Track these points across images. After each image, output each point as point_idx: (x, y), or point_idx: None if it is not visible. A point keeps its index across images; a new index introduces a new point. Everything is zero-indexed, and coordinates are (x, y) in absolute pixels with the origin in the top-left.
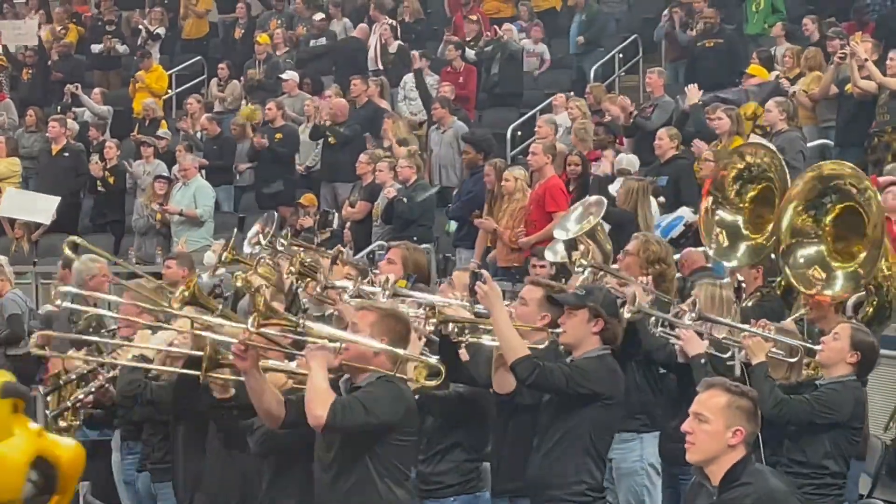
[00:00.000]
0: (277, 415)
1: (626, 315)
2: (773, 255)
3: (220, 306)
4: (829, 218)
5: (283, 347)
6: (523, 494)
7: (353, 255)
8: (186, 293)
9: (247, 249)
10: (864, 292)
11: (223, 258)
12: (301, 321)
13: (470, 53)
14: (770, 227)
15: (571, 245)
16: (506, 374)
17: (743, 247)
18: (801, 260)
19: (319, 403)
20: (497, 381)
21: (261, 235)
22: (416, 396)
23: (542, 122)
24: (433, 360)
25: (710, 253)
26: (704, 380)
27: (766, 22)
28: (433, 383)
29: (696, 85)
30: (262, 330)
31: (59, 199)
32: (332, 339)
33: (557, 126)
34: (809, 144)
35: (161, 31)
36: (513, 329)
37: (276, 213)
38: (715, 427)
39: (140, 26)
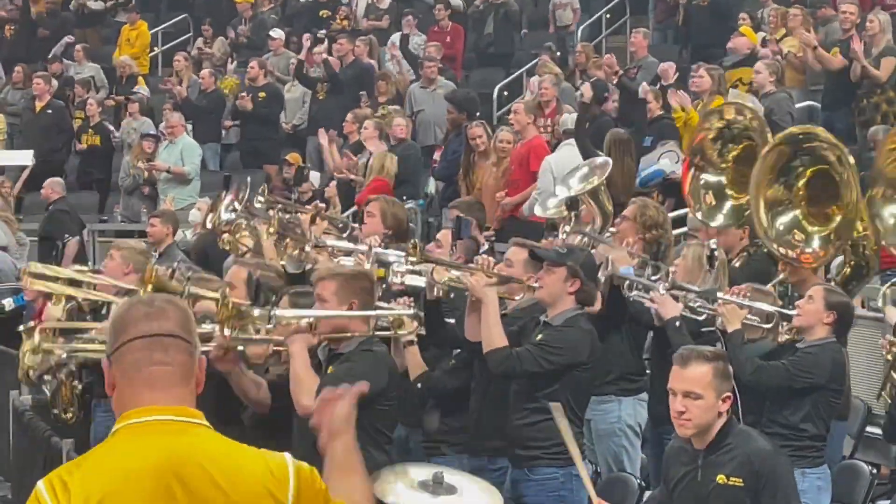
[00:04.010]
0: (265, 401)
1: (599, 276)
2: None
3: (186, 285)
4: (801, 182)
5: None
6: (502, 454)
7: (339, 211)
8: (150, 287)
9: (224, 216)
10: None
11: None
12: (270, 312)
13: (459, 4)
14: None
15: (573, 202)
16: (477, 321)
17: (727, 206)
18: (781, 228)
19: (304, 392)
20: (469, 327)
21: (235, 202)
22: (419, 385)
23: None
24: (407, 310)
25: (698, 216)
26: (680, 355)
27: None
28: (415, 327)
29: (671, 65)
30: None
31: (31, 151)
32: (303, 318)
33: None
34: (797, 106)
35: None
36: (499, 322)
37: (248, 179)
38: (708, 401)
39: None
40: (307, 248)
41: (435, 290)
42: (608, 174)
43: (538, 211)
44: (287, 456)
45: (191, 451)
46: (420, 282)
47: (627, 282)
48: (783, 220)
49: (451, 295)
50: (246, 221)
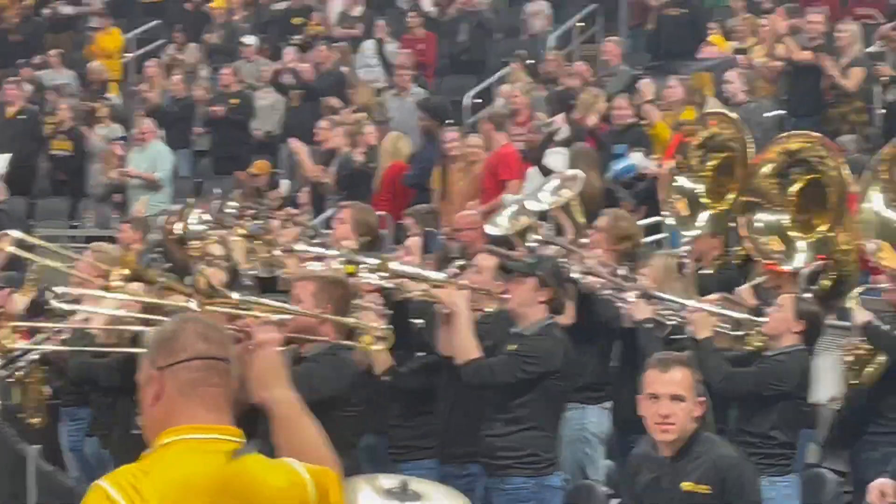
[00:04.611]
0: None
1: (575, 275)
2: (732, 224)
3: (162, 277)
4: (794, 188)
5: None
6: (473, 460)
7: (311, 219)
8: (127, 272)
9: (194, 228)
10: (820, 262)
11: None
12: (243, 298)
13: (432, 11)
14: (731, 195)
15: (543, 217)
16: (449, 333)
17: (704, 215)
18: (761, 224)
19: None
20: (442, 340)
21: (205, 213)
22: (387, 378)
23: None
24: (380, 326)
25: (668, 222)
26: (658, 359)
27: None
28: (381, 347)
29: (649, 81)
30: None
31: (9, 155)
32: (275, 312)
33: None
34: (767, 115)
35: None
36: (471, 333)
37: (218, 190)
38: (689, 404)
39: None
40: (276, 252)
41: (402, 293)
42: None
43: (490, 230)
44: (292, 461)
45: (240, 470)
46: (389, 283)
47: (601, 281)
48: (765, 219)
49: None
50: (216, 231)
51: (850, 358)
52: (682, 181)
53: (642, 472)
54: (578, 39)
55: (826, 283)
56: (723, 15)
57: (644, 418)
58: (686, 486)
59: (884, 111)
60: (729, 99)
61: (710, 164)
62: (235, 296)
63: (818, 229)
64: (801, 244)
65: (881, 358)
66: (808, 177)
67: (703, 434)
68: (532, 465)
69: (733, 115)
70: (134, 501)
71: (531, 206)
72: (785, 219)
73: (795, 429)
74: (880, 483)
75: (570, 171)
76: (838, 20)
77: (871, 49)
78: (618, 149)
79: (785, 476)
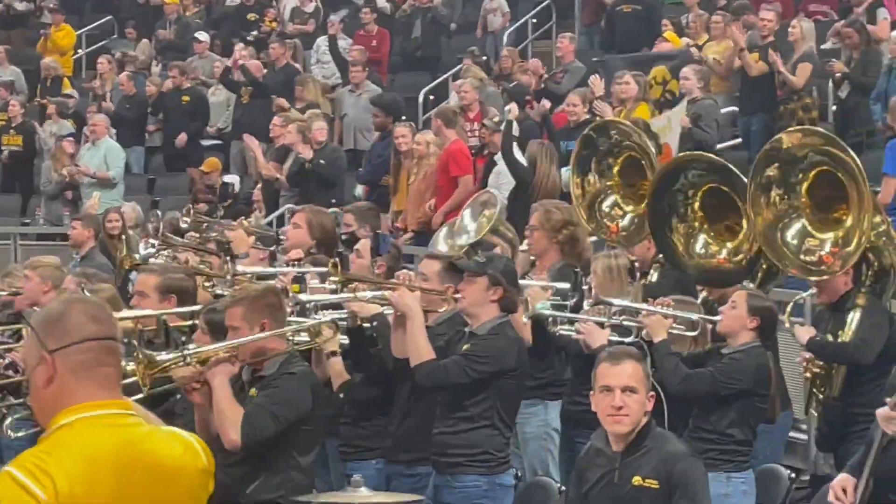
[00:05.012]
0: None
1: (524, 320)
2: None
3: None
4: (695, 204)
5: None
6: (422, 462)
7: (263, 216)
8: None
9: (142, 251)
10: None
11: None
12: (184, 352)
13: (385, 6)
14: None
15: (478, 245)
16: (403, 336)
17: (627, 220)
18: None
19: (230, 427)
20: (395, 342)
21: (151, 239)
22: (342, 395)
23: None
24: (322, 320)
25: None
26: (610, 353)
27: None
28: (334, 336)
29: (597, 77)
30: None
31: None
32: (221, 350)
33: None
34: (722, 111)
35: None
36: (424, 334)
37: (158, 212)
38: (641, 396)
39: None
40: (228, 277)
41: (357, 319)
42: (533, 183)
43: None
44: (175, 429)
45: (139, 440)
46: (342, 314)
47: (550, 318)
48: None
49: (374, 323)
50: (165, 252)
51: (809, 375)
52: (604, 207)
53: (592, 467)
54: (532, 36)
55: (760, 274)
56: (677, 11)
57: (597, 412)
58: (636, 480)
59: (835, 107)
60: (685, 95)
61: (613, 170)
62: (176, 355)
63: (741, 234)
64: (726, 249)
65: (838, 366)
66: (706, 187)
67: (656, 429)
68: (485, 463)
69: (615, 119)
70: (43, 483)
71: (462, 241)
72: (705, 236)
73: (753, 426)
74: (841, 479)
75: (481, 193)
76: (791, 17)
77: (824, 46)
78: (571, 145)
79: (742, 472)
